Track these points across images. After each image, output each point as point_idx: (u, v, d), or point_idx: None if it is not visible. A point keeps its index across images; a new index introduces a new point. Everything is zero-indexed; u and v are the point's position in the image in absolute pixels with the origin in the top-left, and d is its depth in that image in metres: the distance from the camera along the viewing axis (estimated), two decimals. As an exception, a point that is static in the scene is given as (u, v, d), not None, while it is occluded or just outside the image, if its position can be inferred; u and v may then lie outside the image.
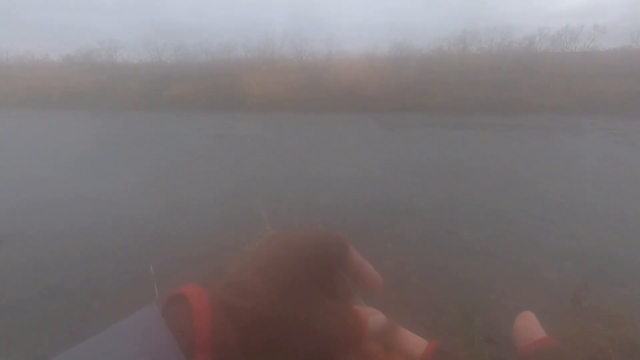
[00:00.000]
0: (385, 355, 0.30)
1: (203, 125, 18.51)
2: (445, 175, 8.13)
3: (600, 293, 2.68)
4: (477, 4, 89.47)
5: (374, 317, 0.30)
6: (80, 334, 2.93)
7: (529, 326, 0.30)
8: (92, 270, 3.95)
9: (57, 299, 3.41)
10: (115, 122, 20.44)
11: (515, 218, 5.30)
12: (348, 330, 0.28)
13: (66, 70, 37.40)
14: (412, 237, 4.67)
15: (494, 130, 15.68)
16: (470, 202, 6.10)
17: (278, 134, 15.64)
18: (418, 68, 29.53)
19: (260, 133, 16.01)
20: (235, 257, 3.19)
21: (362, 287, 0.34)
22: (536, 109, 22.98)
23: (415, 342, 0.30)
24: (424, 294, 3.37)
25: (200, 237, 4.64)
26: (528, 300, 3.21)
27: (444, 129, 16.28)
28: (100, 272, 3.90)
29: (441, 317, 2.99)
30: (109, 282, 3.69)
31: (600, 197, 6.28)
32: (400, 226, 5.00)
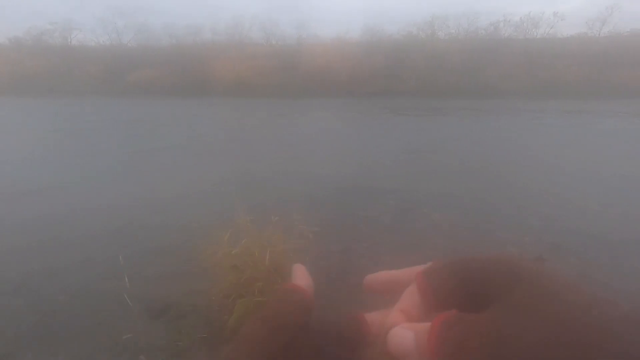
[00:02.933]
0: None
1: (169, 112, 17.84)
2: (417, 159, 8.35)
3: (554, 263, 2.90)
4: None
5: (400, 334, 0.26)
6: (47, 329, 2.83)
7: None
8: (55, 262, 3.79)
9: (18, 295, 3.26)
10: (72, 109, 19.26)
11: (484, 199, 5.56)
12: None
13: (14, 53, 34.56)
14: (385, 219, 4.81)
15: (462, 114, 16.17)
16: (439, 185, 6.33)
17: (246, 120, 15.37)
18: (389, 53, 29.71)
19: (228, 119, 15.66)
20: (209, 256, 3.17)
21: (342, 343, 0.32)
22: (502, 93, 23.86)
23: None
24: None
25: (170, 226, 4.55)
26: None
27: (414, 113, 16.61)
28: (65, 264, 3.75)
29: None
30: (75, 274, 3.57)
31: (562, 174, 6.69)
32: (373, 210, 5.12)
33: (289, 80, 26.57)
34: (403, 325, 0.28)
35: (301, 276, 0.38)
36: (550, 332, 0.20)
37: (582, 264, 3.51)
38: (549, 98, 21.80)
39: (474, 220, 4.71)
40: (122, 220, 4.84)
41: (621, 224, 4.54)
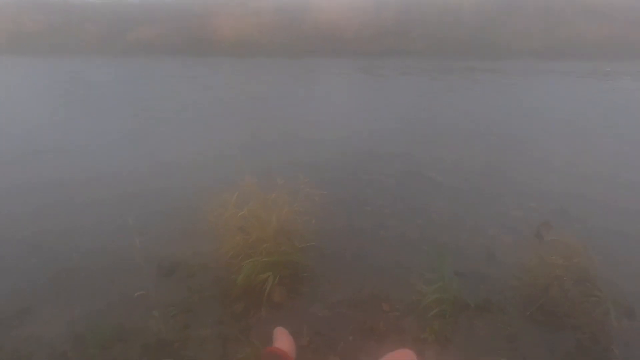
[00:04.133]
0: None
1: (171, 73, 17.43)
2: (425, 122, 8.17)
3: (561, 229, 2.90)
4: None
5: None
6: (62, 285, 2.95)
7: None
8: (66, 224, 3.88)
9: (35, 253, 3.38)
10: (72, 69, 18.89)
11: (491, 164, 5.48)
12: None
13: (13, 10, 33.36)
14: (391, 183, 4.79)
15: (475, 75, 15.57)
16: (447, 149, 6.22)
17: (250, 81, 14.99)
18: (398, 8, 28.14)
19: (231, 81, 15.29)
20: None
21: None
22: (519, 52, 22.79)
23: None
24: (401, 235, 3.54)
25: (176, 189, 4.59)
26: (495, 237, 3.44)
27: (424, 74, 16.03)
28: (76, 225, 3.84)
29: (416, 255, 3.18)
30: (87, 235, 3.66)
31: (572, 141, 6.53)
32: (378, 174, 5.09)
33: (293, 39, 25.58)
34: None
35: (283, 339, 0.42)
36: None
37: (587, 230, 3.50)
38: (569, 58, 20.81)
39: (480, 185, 4.66)
40: (129, 183, 4.89)
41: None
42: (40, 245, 3.49)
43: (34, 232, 3.72)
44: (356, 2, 30.10)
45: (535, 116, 8.46)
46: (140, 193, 4.55)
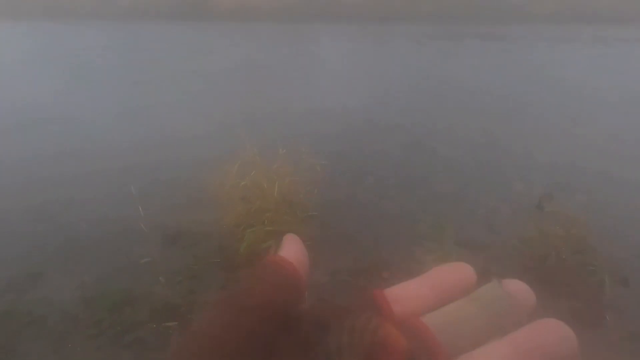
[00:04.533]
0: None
1: (167, 39, 16.92)
2: (429, 92, 8.00)
3: (562, 200, 2.91)
4: None
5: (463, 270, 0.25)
6: (71, 252, 3.03)
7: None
8: (72, 193, 3.92)
9: (42, 221, 3.44)
10: (66, 34, 18.34)
11: (497, 135, 5.41)
12: None
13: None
14: (393, 154, 4.76)
15: (483, 42, 15.05)
16: (451, 120, 6.13)
17: (250, 48, 14.57)
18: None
19: (230, 47, 14.86)
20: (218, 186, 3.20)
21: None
22: (529, 17, 21.87)
23: None
24: (403, 205, 3.57)
25: (177, 159, 4.59)
26: (496, 208, 3.46)
27: (430, 40, 15.50)
28: (81, 195, 3.88)
29: (417, 226, 3.22)
30: (92, 204, 3.71)
31: (583, 112, 6.41)
32: (381, 144, 5.05)
33: (294, 2, 24.56)
34: None
35: (293, 248, 0.27)
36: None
37: (589, 202, 3.51)
38: (581, 23, 19.98)
39: (483, 156, 4.64)
40: (130, 153, 4.88)
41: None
42: (46, 214, 3.55)
43: (39, 201, 3.76)
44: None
45: (541, 85, 8.26)
46: (142, 163, 4.56)
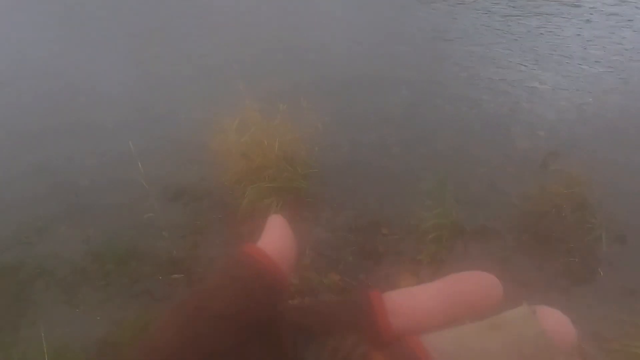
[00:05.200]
0: None
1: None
2: (438, 47, 7.62)
3: (568, 158, 2.87)
4: None
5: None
6: (74, 208, 3.06)
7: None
8: (69, 148, 3.88)
9: (44, 177, 3.44)
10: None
11: (504, 90, 5.23)
12: None
13: None
14: (396, 110, 4.64)
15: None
16: (457, 76, 5.90)
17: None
18: None
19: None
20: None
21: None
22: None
23: None
24: (404, 163, 3.54)
25: (175, 113, 4.48)
26: (500, 166, 3.43)
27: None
28: (79, 150, 3.85)
29: (418, 183, 3.20)
30: (91, 160, 3.69)
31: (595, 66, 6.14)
32: (385, 100, 4.91)
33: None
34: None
35: (275, 234, 0.23)
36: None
37: (596, 159, 3.46)
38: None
39: (488, 113, 4.51)
40: (127, 107, 4.77)
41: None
42: (48, 170, 3.54)
43: (39, 158, 3.74)
44: None
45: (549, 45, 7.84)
46: (139, 118, 4.46)
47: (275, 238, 0.22)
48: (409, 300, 0.20)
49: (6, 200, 3.17)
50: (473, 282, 0.20)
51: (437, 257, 2.46)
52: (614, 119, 4.30)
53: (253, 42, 7.63)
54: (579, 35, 6.89)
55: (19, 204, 3.10)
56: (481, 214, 2.83)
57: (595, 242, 2.44)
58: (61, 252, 2.67)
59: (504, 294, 0.19)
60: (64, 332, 2.17)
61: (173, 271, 2.50)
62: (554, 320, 0.18)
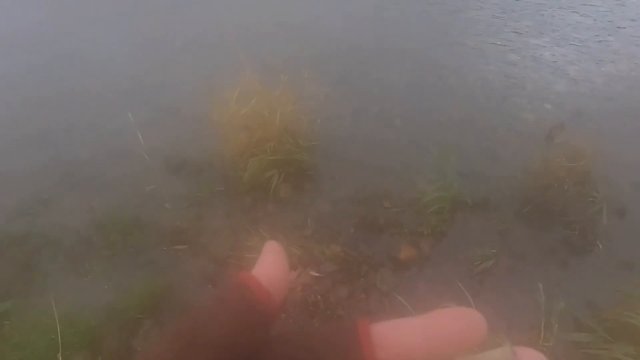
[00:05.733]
0: None
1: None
2: (444, 15, 7.32)
3: (574, 131, 2.82)
4: None
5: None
6: (76, 179, 3.07)
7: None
8: (68, 119, 3.84)
9: (44, 149, 3.43)
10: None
11: (510, 61, 5.08)
12: None
13: None
14: (400, 81, 4.53)
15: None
16: (463, 45, 5.70)
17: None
18: None
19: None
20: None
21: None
22: None
23: None
24: (407, 135, 3.50)
25: (174, 84, 4.40)
26: (504, 139, 3.39)
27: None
28: (77, 121, 3.81)
29: (421, 155, 3.18)
30: (90, 131, 3.66)
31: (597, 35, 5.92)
32: (388, 71, 4.78)
33: None
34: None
35: (270, 261, 0.24)
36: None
37: (601, 132, 3.42)
38: None
39: (495, 84, 4.41)
40: (125, 76, 4.67)
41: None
42: (48, 142, 3.53)
43: (39, 129, 3.71)
44: None
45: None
46: (138, 88, 4.38)
47: (270, 267, 0.23)
48: (395, 333, 0.20)
49: (8, 172, 3.18)
50: (458, 319, 0.20)
51: (438, 229, 2.48)
52: (623, 91, 4.20)
53: (254, 10, 7.36)
54: (593, 5, 6.61)
55: (21, 176, 3.12)
56: (483, 187, 2.83)
57: (596, 215, 2.45)
58: (66, 223, 2.71)
59: (488, 332, 0.19)
60: (74, 300, 2.24)
61: (176, 242, 2.54)
62: None
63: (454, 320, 0.20)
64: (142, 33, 6.20)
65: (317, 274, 2.26)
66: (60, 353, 1.68)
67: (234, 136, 3.00)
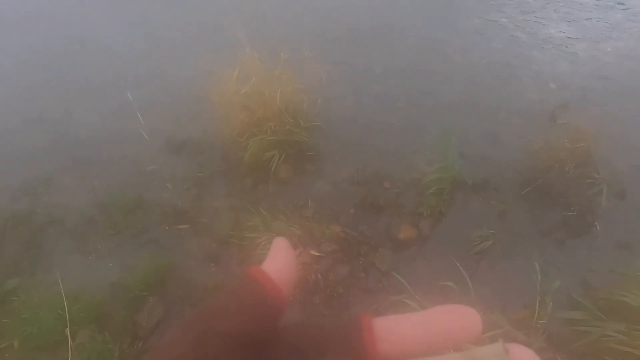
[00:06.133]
0: None
1: None
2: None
3: (577, 112, 2.79)
4: None
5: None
6: (77, 159, 3.08)
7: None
8: (65, 98, 3.81)
9: (44, 129, 3.42)
10: None
11: (516, 37, 4.96)
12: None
13: None
14: (403, 60, 4.44)
15: None
16: (469, 21, 5.55)
17: None
18: None
19: None
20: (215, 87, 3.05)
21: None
22: None
23: None
24: (408, 116, 3.47)
25: (172, 63, 4.33)
26: (507, 119, 3.36)
27: None
28: (75, 100, 3.78)
29: (422, 136, 3.17)
30: (89, 111, 3.63)
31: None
32: (390, 49, 4.68)
33: None
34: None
35: (279, 257, 0.25)
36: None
37: (605, 113, 3.38)
38: None
39: (500, 63, 4.32)
40: (123, 55, 4.59)
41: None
42: (47, 122, 3.51)
43: (38, 109, 3.69)
44: None
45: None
46: (136, 68, 4.32)
47: (279, 262, 0.25)
48: (396, 328, 0.21)
49: (9, 152, 3.19)
50: (456, 315, 0.21)
51: (437, 209, 2.50)
52: (631, 71, 4.11)
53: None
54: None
55: (22, 156, 3.12)
56: (484, 168, 2.82)
57: (596, 197, 2.46)
58: (69, 203, 2.74)
59: (483, 328, 0.21)
60: (79, 277, 2.30)
61: (178, 222, 2.57)
62: (523, 357, 0.19)
63: (453, 316, 0.21)
64: (141, 12, 6.05)
65: (318, 254, 2.30)
66: (68, 328, 1.73)
67: (234, 116, 2.98)
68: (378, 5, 6.13)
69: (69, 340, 1.67)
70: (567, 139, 2.52)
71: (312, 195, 2.67)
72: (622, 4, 5.69)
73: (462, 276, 1.85)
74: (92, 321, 2.05)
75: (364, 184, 2.75)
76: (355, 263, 2.28)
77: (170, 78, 4.04)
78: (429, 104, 3.63)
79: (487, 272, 2.23)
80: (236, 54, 3.04)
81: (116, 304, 2.17)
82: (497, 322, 1.66)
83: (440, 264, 2.20)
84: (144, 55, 4.58)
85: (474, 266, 2.23)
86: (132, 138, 3.12)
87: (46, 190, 2.83)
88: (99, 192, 2.76)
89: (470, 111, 3.51)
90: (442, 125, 3.11)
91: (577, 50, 4.61)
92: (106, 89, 3.90)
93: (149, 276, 2.22)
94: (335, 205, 2.60)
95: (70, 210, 2.69)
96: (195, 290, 2.21)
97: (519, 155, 2.83)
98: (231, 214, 2.58)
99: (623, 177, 2.62)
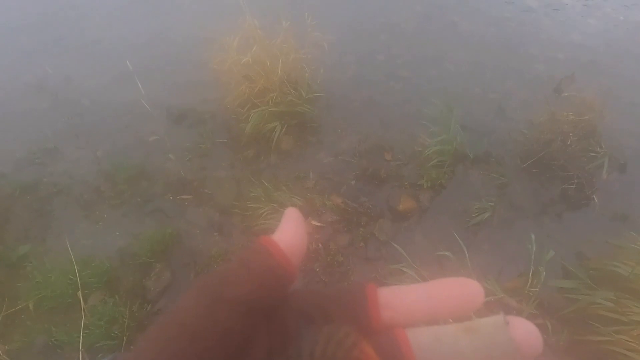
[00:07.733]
0: None
1: None
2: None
3: (584, 84, 2.73)
4: None
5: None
6: (80, 129, 3.08)
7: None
8: (65, 66, 3.76)
9: (44, 98, 3.40)
10: None
11: (523, 7, 4.76)
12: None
13: None
14: (408, 28, 4.30)
15: None
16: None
17: None
18: None
19: None
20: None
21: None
22: None
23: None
24: (412, 86, 3.41)
25: (172, 30, 4.22)
26: (511, 91, 3.30)
27: None
28: (75, 68, 3.73)
29: (425, 107, 3.13)
30: (89, 80, 3.59)
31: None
32: (395, 16, 4.52)
33: None
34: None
35: (290, 227, 0.25)
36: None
37: (613, 85, 3.31)
38: None
39: (508, 32, 4.18)
40: (122, 22, 4.47)
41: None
42: (47, 90, 3.49)
43: (37, 76, 3.65)
44: None
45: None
46: (134, 36, 4.22)
47: (290, 232, 0.25)
48: (400, 297, 0.22)
49: (11, 122, 3.19)
50: (458, 287, 0.22)
51: (438, 182, 2.52)
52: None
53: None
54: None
55: (24, 127, 3.13)
56: (486, 141, 2.81)
57: (596, 170, 2.46)
58: (73, 172, 2.78)
59: (484, 300, 0.22)
60: (88, 244, 2.37)
61: (182, 192, 2.61)
62: (524, 331, 0.20)
63: (455, 288, 0.22)
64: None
65: (319, 224, 2.35)
66: (80, 292, 1.82)
67: (236, 86, 2.94)
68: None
69: (82, 302, 1.75)
70: (572, 111, 2.49)
71: (314, 167, 2.69)
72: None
73: (459, 246, 1.90)
74: (103, 286, 2.15)
75: (365, 155, 2.76)
76: (355, 233, 2.33)
77: (170, 47, 3.95)
78: (434, 74, 3.56)
79: (484, 243, 2.28)
80: (236, 22, 2.96)
81: (124, 270, 2.26)
82: (491, 289, 1.72)
83: (438, 234, 2.25)
84: (143, 23, 4.46)
85: (471, 237, 2.28)
86: (133, 108, 3.11)
87: (51, 160, 2.86)
88: (102, 162, 2.79)
89: (475, 82, 3.45)
90: (446, 96, 3.07)
91: (593, 17, 4.44)
92: (104, 56, 3.84)
93: (155, 244, 2.29)
94: (336, 177, 2.62)
95: (75, 180, 2.74)
96: (200, 257, 2.28)
97: (521, 128, 2.81)
98: (233, 184, 2.61)
99: (626, 151, 2.61)
